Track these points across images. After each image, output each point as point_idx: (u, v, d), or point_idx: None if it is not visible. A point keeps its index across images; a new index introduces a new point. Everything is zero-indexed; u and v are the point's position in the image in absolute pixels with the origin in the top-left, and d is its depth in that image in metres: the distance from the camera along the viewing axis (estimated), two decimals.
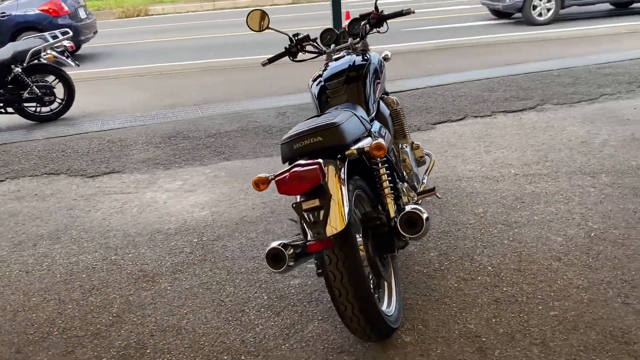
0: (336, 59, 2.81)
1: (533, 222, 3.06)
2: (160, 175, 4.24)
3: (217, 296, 2.62)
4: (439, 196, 2.82)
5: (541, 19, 10.37)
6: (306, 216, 1.85)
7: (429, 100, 5.67)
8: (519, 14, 10.76)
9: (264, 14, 2.87)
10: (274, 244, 2.05)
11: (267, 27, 2.89)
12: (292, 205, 1.88)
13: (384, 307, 2.18)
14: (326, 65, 2.83)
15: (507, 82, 6.14)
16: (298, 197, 1.92)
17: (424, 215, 1.94)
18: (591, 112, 4.98)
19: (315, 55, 2.97)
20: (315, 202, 1.83)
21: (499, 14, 11.48)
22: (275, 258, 2.03)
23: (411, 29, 10.53)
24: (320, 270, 2.15)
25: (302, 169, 1.81)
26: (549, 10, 10.34)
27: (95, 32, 10.29)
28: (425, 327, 2.27)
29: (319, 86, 2.68)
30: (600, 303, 2.33)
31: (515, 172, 3.78)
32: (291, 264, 2.03)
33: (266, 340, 2.27)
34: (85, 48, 10.53)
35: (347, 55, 2.81)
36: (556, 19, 10.41)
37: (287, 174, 1.83)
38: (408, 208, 1.98)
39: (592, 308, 2.30)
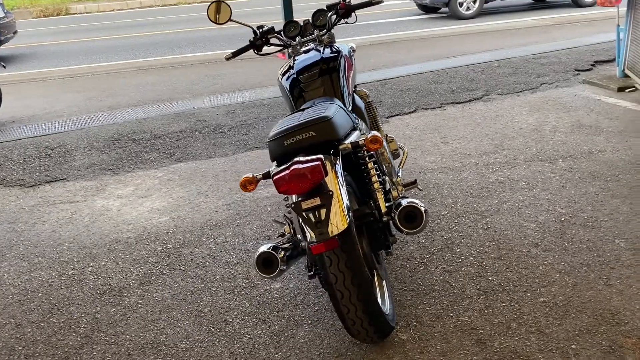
0: (305, 52, 2.70)
1: (503, 210, 3.09)
2: (108, 181, 3.97)
3: (194, 307, 2.45)
4: (421, 189, 2.78)
5: (467, 12, 10.67)
6: (306, 216, 1.74)
7: (378, 94, 5.66)
8: (445, 9, 11.03)
9: (225, 6, 2.72)
10: (263, 247, 1.94)
11: (229, 20, 2.74)
12: (290, 205, 1.76)
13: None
14: (294, 58, 2.71)
15: (451, 74, 6.23)
16: (294, 196, 1.80)
17: (423, 209, 1.88)
18: (535, 100, 5.13)
19: (280, 48, 2.85)
20: (316, 201, 1.72)
21: (426, 8, 11.73)
22: (266, 263, 1.91)
23: (346, 25, 10.55)
24: (312, 273, 2.05)
25: (302, 165, 1.70)
26: (474, 2, 10.65)
27: (15, 32, 9.61)
28: (419, 323, 2.21)
29: (290, 80, 2.56)
30: (585, 286, 2.36)
31: (476, 161, 3.82)
32: (283, 268, 1.93)
33: (257, 350, 2.14)
34: (4, 49, 9.82)
35: (316, 47, 2.71)
36: (481, 13, 10.75)
37: (287, 171, 1.71)
38: (404, 202, 1.91)
39: (578, 292, 2.33)
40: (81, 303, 2.55)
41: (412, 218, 1.87)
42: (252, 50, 2.82)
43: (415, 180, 2.44)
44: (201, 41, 9.89)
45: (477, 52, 7.38)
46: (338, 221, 1.72)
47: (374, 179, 2.08)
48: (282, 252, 1.95)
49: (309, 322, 2.28)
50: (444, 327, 2.18)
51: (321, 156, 1.73)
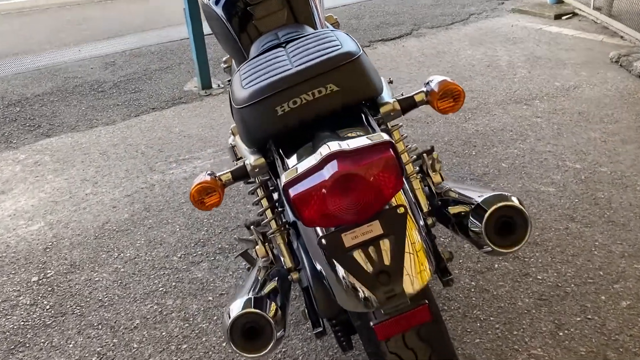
0: None
1: (505, 171, 2.39)
2: None
3: None
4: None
5: None
6: (354, 261, 0.85)
7: None
8: None
9: None
10: (238, 303, 1.06)
11: None
12: (319, 241, 0.87)
13: None
14: None
15: (369, 8, 5.42)
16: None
17: (525, 211, 1.06)
18: (472, 32, 4.48)
19: None
20: (375, 228, 0.84)
21: None
22: (250, 333, 1.03)
23: None
24: (322, 329, 1.21)
25: (362, 161, 0.80)
26: None
27: None
28: None
29: (227, 3, 1.60)
30: None
31: None
32: (281, 334, 1.06)
33: None
34: None
35: None
36: None
37: (328, 176, 0.80)
38: (487, 196, 1.08)
39: None
40: None
41: (511, 228, 1.05)
42: None
43: (432, 147, 1.60)
44: None
45: None
46: (422, 268, 0.86)
47: (409, 164, 1.23)
48: (274, 305, 1.07)
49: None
50: None
51: (387, 137, 0.84)
